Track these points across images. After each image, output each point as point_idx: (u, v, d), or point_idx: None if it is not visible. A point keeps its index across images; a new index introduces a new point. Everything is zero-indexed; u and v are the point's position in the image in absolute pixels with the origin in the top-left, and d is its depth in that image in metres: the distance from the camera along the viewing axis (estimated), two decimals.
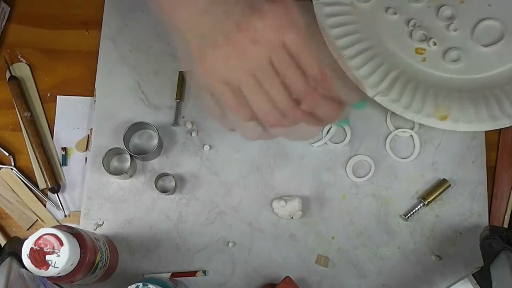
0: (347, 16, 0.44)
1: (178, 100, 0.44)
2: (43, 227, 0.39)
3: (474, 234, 0.42)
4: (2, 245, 0.37)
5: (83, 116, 0.44)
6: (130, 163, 0.41)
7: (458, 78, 0.43)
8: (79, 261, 0.33)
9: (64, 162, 0.43)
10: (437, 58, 0.44)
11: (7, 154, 0.43)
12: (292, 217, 0.42)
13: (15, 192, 0.43)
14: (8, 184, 0.43)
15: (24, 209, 0.42)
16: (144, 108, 0.44)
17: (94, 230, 0.42)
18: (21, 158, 0.44)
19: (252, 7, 0.28)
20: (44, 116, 0.44)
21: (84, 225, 0.42)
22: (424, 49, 0.44)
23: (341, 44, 0.42)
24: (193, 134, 0.44)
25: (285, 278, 0.39)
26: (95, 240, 0.36)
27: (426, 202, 0.42)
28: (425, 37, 0.44)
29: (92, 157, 0.43)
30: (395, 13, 0.44)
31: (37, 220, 0.42)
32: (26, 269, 0.31)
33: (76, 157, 0.44)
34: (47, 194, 0.43)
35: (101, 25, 0.45)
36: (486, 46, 0.44)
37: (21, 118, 0.43)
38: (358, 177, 0.43)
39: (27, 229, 0.42)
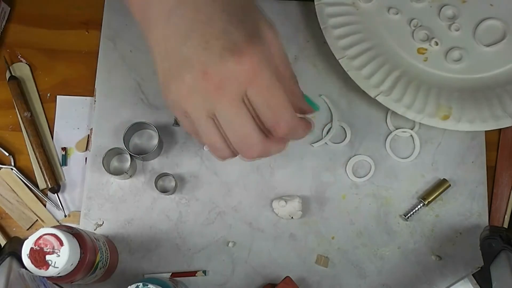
0: (349, 16, 0.44)
1: None
2: (43, 227, 0.39)
3: (474, 234, 0.41)
4: (2, 245, 0.37)
5: (83, 116, 0.44)
6: (130, 163, 0.41)
7: (460, 78, 0.43)
8: (79, 261, 0.33)
9: (64, 162, 0.43)
10: (439, 58, 0.44)
11: (7, 154, 0.43)
12: (292, 217, 0.42)
13: (15, 192, 0.43)
14: (8, 184, 0.43)
15: (24, 209, 0.43)
16: (144, 108, 0.44)
17: (94, 230, 0.42)
18: (21, 158, 0.44)
19: (232, 49, 0.27)
20: (44, 116, 0.44)
21: (84, 225, 0.42)
22: (426, 49, 0.44)
23: (343, 44, 0.42)
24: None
25: (285, 278, 0.39)
26: (95, 240, 0.36)
27: (426, 202, 0.42)
28: (427, 37, 0.44)
29: (92, 157, 0.43)
30: (397, 13, 0.44)
31: (37, 220, 0.42)
32: (26, 269, 0.31)
33: (76, 157, 0.44)
34: (47, 194, 0.43)
35: (101, 25, 0.45)
36: (488, 46, 0.44)
37: (21, 118, 0.43)
38: (358, 177, 0.43)
39: (27, 229, 0.42)
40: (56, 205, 0.42)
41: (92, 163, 0.43)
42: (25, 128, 0.43)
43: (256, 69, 0.27)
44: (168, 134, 0.44)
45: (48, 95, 0.45)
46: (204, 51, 0.27)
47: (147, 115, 0.44)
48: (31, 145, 0.43)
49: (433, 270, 0.42)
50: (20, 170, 0.43)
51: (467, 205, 0.43)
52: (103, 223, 0.42)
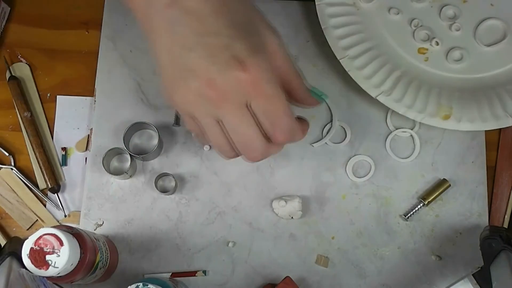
0: (350, 17, 0.44)
1: None
2: (43, 227, 0.39)
3: (474, 234, 0.41)
4: (2, 245, 0.37)
5: (83, 116, 0.44)
6: (130, 163, 0.41)
7: (460, 77, 0.43)
8: (79, 261, 0.33)
9: (64, 162, 0.43)
10: (440, 57, 0.44)
11: (7, 154, 0.43)
12: (292, 217, 0.42)
13: (15, 192, 0.43)
14: (8, 184, 0.43)
15: (24, 209, 0.43)
16: (144, 108, 0.44)
17: (94, 230, 0.42)
18: (21, 158, 0.44)
19: (236, 61, 0.28)
20: (44, 116, 0.44)
21: (84, 225, 0.42)
22: (427, 49, 0.44)
23: (344, 44, 0.42)
24: (193, 134, 0.44)
25: (285, 278, 0.39)
26: (95, 240, 0.36)
27: (426, 202, 0.42)
28: (427, 37, 0.44)
29: (92, 157, 0.43)
30: (398, 13, 0.44)
31: (37, 220, 0.43)
32: (26, 269, 0.31)
33: (76, 157, 0.44)
34: (47, 194, 0.43)
35: (101, 25, 0.45)
36: (488, 45, 0.44)
37: (21, 118, 0.43)
38: (358, 177, 0.43)
39: (27, 229, 0.42)
40: (56, 205, 0.43)
41: (92, 163, 0.43)
42: (25, 128, 0.43)
43: (257, 80, 0.29)
44: (168, 134, 0.44)
45: (48, 95, 0.45)
46: (209, 62, 0.28)
47: (147, 115, 0.44)
48: (31, 145, 0.43)
49: (433, 270, 0.42)
50: (20, 170, 0.43)
51: (467, 205, 0.43)
52: (103, 223, 0.42)
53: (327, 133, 0.44)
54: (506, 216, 0.44)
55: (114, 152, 0.42)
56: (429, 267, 0.42)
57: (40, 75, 0.45)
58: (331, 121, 0.44)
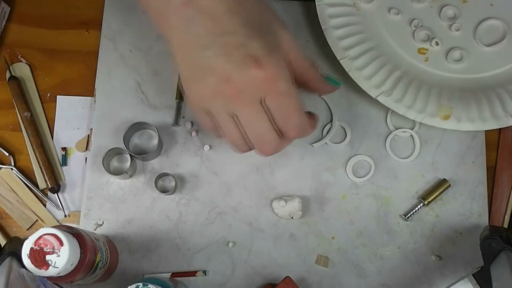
0: (350, 17, 0.44)
1: (178, 100, 0.44)
2: (43, 227, 0.39)
3: (474, 234, 0.41)
4: (2, 245, 0.37)
5: (83, 116, 0.44)
6: (130, 163, 0.41)
7: (460, 77, 0.43)
8: (79, 261, 0.33)
9: (64, 162, 0.43)
10: (440, 58, 0.44)
11: (7, 154, 0.43)
12: (292, 217, 0.42)
13: (15, 192, 0.43)
14: (8, 184, 0.43)
15: (24, 209, 0.43)
16: (144, 108, 0.44)
17: (94, 230, 0.42)
18: (21, 158, 0.44)
19: (252, 59, 0.29)
20: (44, 116, 0.44)
21: (84, 225, 0.42)
22: (427, 49, 0.44)
23: (344, 44, 0.42)
24: (193, 134, 0.44)
25: (285, 278, 0.39)
26: (95, 240, 0.36)
27: (426, 202, 0.42)
28: (427, 37, 0.44)
29: (92, 157, 0.43)
30: (398, 14, 0.44)
31: (37, 220, 0.43)
32: (26, 269, 0.31)
33: (76, 157, 0.44)
34: (47, 194, 0.43)
35: (101, 25, 0.45)
36: (488, 45, 0.44)
37: (21, 118, 0.43)
38: (358, 177, 0.43)
39: (27, 229, 0.42)
40: (56, 205, 0.43)
41: (92, 163, 0.43)
42: (25, 128, 0.43)
43: (272, 77, 0.30)
44: (168, 134, 0.44)
45: (48, 95, 0.45)
46: (225, 60, 0.29)
47: (147, 115, 0.44)
48: (31, 145, 0.43)
49: (433, 270, 0.42)
50: (20, 170, 0.43)
51: (467, 205, 0.43)
52: (103, 223, 0.42)
53: (327, 133, 0.44)
54: (506, 216, 0.44)
55: (114, 152, 0.42)
56: (429, 267, 0.42)
57: (40, 75, 0.45)
58: (331, 121, 0.44)
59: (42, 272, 0.31)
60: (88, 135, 0.44)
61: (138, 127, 0.43)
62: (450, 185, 0.43)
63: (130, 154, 0.42)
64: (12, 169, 0.43)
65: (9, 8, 0.46)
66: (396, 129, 0.44)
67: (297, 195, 0.42)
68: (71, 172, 0.43)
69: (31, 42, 0.46)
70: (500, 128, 0.45)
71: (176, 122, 0.44)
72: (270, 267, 0.41)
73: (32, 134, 0.43)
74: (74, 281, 0.34)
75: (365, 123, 0.44)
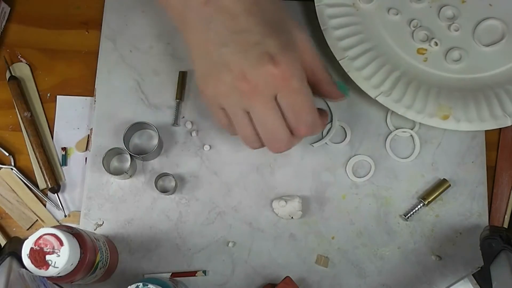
0: (350, 17, 0.44)
1: (178, 100, 0.44)
2: (43, 227, 0.39)
3: (474, 234, 0.42)
4: (2, 245, 0.37)
5: (83, 116, 0.44)
6: (130, 163, 0.41)
7: (459, 77, 0.43)
8: (79, 261, 0.33)
9: (64, 162, 0.43)
10: (439, 58, 0.44)
11: (7, 154, 0.43)
12: (292, 217, 0.42)
13: (15, 192, 0.43)
14: (8, 184, 0.43)
15: (24, 209, 0.43)
16: (144, 108, 0.44)
17: (94, 230, 0.42)
18: (21, 158, 0.44)
19: (268, 57, 0.30)
20: (44, 116, 0.44)
21: (84, 225, 0.42)
22: (426, 49, 0.44)
23: (343, 45, 0.42)
24: (193, 134, 0.44)
25: (285, 278, 0.39)
26: (95, 240, 0.36)
27: (426, 202, 0.42)
28: (426, 37, 0.44)
29: (92, 157, 0.43)
30: (397, 14, 0.44)
31: (37, 220, 0.42)
32: (26, 269, 0.31)
33: (76, 157, 0.44)
34: (47, 194, 0.43)
35: (101, 25, 0.45)
36: (487, 45, 0.44)
37: (21, 118, 0.43)
38: (358, 177, 0.43)
39: (27, 229, 0.42)
40: (56, 205, 0.42)
41: (92, 163, 0.43)
42: (25, 128, 0.43)
43: (287, 75, 0.30)
44: (168, 134, 0.44)
45: (48, 95, 0.45)
46: (242, 56, 0.30)
47: (147, 115, 0.44)
48: (31, 145, 0.43)
49: (433, 270, 0.42)
50: (20, 170, 0.43)
51: (467, 205, 0.43)
52: (103, 223, 0.42)
53: (327, 133, 0.44)
54: (506, 216, 0.44)
55: (114, 152, 0.42)
56: (429, 267, 0.42)
57: (40, 75, 0.45)
58: (331, 121, 0.44)
59: (42, 272, 0.31)
60: (88, 135, 0.44)
61: (138, 127, 0.43)
62: (450, 185, 0.43)
63: (130, 154, 0.42)
64: (12, 169, 0.43)
65: (9, 8, 0.46)
66: (396, 129, 0.44)
67: (297, 195, 0.42)
68: (71, 172, 0.43)
69: (31, 42, 0.46)
70: (500, 128, 0.45)
71: (176, 122, 0.44)
72: (270, 267, 0.41)
73: (32, 134, 0.43)
74: (74, 281, 0.34)
75: (365, 123, 0.44)
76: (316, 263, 0.42)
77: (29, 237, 0.32)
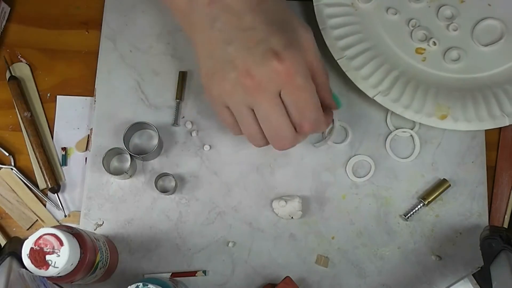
0: (348, 17, 0.44)
1: (178, 100, 0.44)
2: (43, 227, 0.39)
3: (474, 234, 0.42)
4: (2, 245, 0.37)
5: (83, 116, 0.44)
6: (130, 163, 0.41)
7: (458, 77, 0.43)
8: (79, 261, 0.33)
9: (64, 162, 0.43)
10: (437, 57, 0.44)
11: (7, 154, 0.43)
12: (292, 217, 0.42)
13: (15, 192, 0.43)
14: (8, 184, 0.43)
15: (24, 209, 0.43)
16: (144, 108, 0.44)
17: (94, 230, 0.42)
18: (21, 158, 0.44)
19: (272, 54, 0.30)
20: (44, 116, 0.44)
21: (84, 225, 0.42)
22: (424, 49, 0.44)
23: (342, 44, 0.42)
24: (193, 134, 0.44)
25: (285, 278, 0.39)
26: (95, 240, 0.36)
27: (426, 202, 0.42)
28: (425, 37, 0.44)
29: (92, 157, 0.43)
30: (396, 13, 0.44)
31: (37, 220, 0.42)
32: (26, 269, 0.31)
33: (76, 157, 0.44)
34: (47, 194, 0.43)
35: (101, 25, 0.45)
36: (486, 45, 0.44)
37: (21, 118, 0.43)
38: (358, 177, 0.43)
39: (27, 229, 0.42)
40: (56, 205, 0.42)
41: (92, 163, 0.43)
42: (25, 128, 0.43)
43: (292, 71, 0.31)
44: (168, 134, 0.44)
45: (48, 95, 0.45)
46: (247, 53, 0.30)
47: (147, 115, 0.44)
48: (31, 145, 0.43)
49: (433, 270, 0.42)
50: (20, 170, 0.43)
51: (467, 205, 0.43)
52: (103, 223, 0.42)
53: (328, 133, 0.44)
54: (506, 216, 0.44)
55: (114, 152, 0.42)
56: (429, 267, 0.42)
57: (40, 75, 0.45)
58: (332, 121, 0.44)
59: (42, 272, 0.31)
60: (88, 135, 0.44)
61: (138, 127, 0.43)
62: (450, 185, 0.43)
63: (130, 154, 0.42)
64: (12, 169, 0.43)
65: (9, 8, 0.46)
66: (396, 129, 0.44)
67: (297, 195, 0.42)
68: (71, 172, 0.43)
69: (31, 42, 0.46)
70: (500, 128, 0.45)
71: (176, 122, 0.44)
72: (270, 267, 0.41)
73: (32, 134, 0.43)
74: (74, 281, 0.34)
75: (365, 123, 0.44)
76: (316, 263, 0.42)
77: (29, 237, 0.32)
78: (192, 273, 0.41)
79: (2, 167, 0.43)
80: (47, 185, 0.42)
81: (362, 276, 0.42)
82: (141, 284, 0.33)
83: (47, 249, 0.32)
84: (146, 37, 0.45)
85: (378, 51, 0.43)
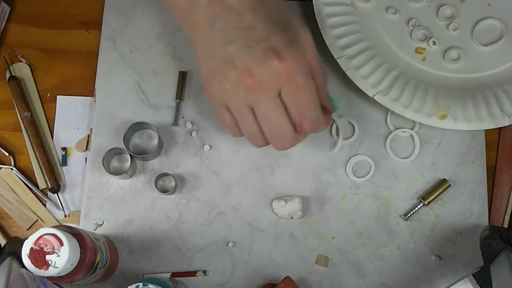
0: (348, 16, 0.44)
1: (178, 100, 0.44)
2: (43, 227, 0.39)
3: (474, 234, 0.42)
4: (2, 245, 0.37)
5: (83, 116, 0.44)
6: (130, 163, 0.41)
7: (457, 77, 0.43)
8: (79, 261, 0.33)
9: (64, 162, 0.43)
10: (437, 57, 0.44)
11: (7, 154, 0.43)
12: (292, 217, 0.42)
13: (15, 192, 0.43)
14: (8, 184, 0.43)
15: (24, 209, 0.43)
16: (144, 108, 0.44)
17: (94, 230, 0.42)
18: (21, 158, 0.44)
19: (273, 53, 0.30)
20: (44, 116, 0.44)
21: (84, 225, 0.42)
22: (424, 49, 0.44)
23: (341, 43, 0.42)
24: (193, 134, 0.44)
25: (285, 278, 0.39)
26: (95, 240, 0.36)
27: (426, 202, 0.42)
28: (425, 36, 0.44)
29: (92, 157, 0.43)
30: (395, 13, 0.44)
31: (37, 220, 0.42)
32: (26, 269, 0.31)
33: (76, 157, 0.44)
34: (47, 194, 0.43)
35: (101, 25, 0.45)
36: (485, 45, 0.44)
37: (21, 118, 0.43)
38: (358, 177, 0.43)
39: (27, 229, 0.42)
40: (56, 205, 0.42)
41: (92, 163, 0.43)
42: (25, 128, 0.43)
43: (292, 70, 0.31)
44: (168, 134, 0.44)
45: (48, 95, 0.45)
46: (247, 53, 0.30)
47: (147, 115, 0.44)
48: (31, 145, 0.43)
49: (433, 270, 0.42)
50: (20, 170, 0.43)
51: (467, 205, 0.43)
52: (103, 223, 0.42)
53: (337, 133, 0.43)
54: (506, 216, 0.44)
55: (114, 152, 0.42)
56: (429, 267, 0.42)
57: (40, 75, 0.45)
58: (332, 121, 0.44)
59: (42, 272, 0.31)
60: (88, 135, 0.44)
61: (138, 127, 0.43)
62: (450, 185, 0.43)
63: (130, 154, 0.42)
64: (12, 169, 0.43)
65: (9, 8, 0.46)
66: (396, 129, 0.44)
67: (297, 195, 0.42)
68: (71, 172, 0.43)
69: (31, 42, 0.46)
70: (500, 128, 0.45)
71: (176, 122, 0.44)
72: (270, 267, 0.41)
73: (32, 134, 0.43)
74: (74, 281, 0.34)
75: (365, 123, 0.44)
76: (316, 263, 0.42)
77: (29, 237, 0.32)
78: (192, 273, 0.41)
79: (2, 167, 0.43)
80: (47, 185, 0.42)
81: (362, 276, 0.42)
82: (141, 284, 0.33)
83: (47, 249, 0.32)
84: (146, 37, 0.45)
85: (377, 50, 0.43)
